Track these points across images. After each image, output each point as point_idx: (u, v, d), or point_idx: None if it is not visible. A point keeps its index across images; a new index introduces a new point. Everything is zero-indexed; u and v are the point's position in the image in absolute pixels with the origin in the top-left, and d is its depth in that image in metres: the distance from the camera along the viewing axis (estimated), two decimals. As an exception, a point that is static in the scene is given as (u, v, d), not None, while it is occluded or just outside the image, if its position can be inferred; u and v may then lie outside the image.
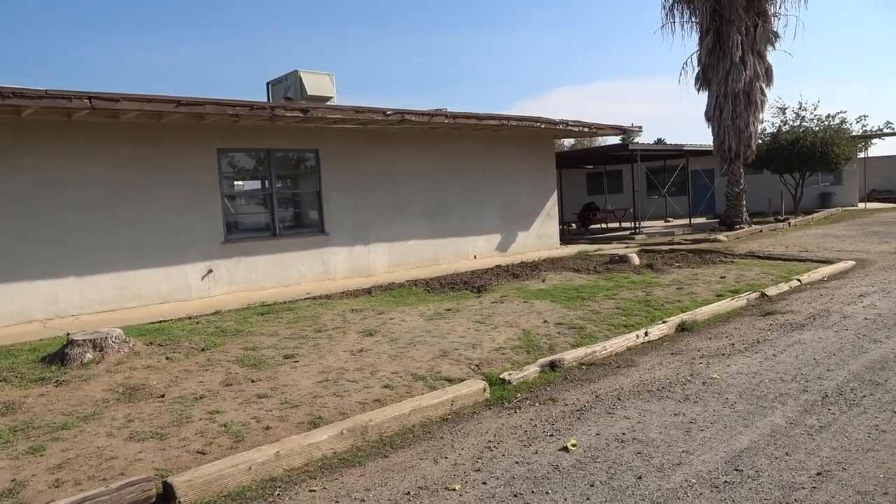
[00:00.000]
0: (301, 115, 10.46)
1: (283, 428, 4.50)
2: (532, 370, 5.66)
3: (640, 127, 16.63)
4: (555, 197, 16.98)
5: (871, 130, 30.18)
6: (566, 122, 14.83)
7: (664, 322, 7.23)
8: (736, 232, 17.45)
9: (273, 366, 6.03)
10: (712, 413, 4.34)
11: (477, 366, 5.91)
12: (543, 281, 10.63)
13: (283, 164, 12.27)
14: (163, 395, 5.32)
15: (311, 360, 6.18)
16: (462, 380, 5.51)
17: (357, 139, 12.87)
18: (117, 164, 10.07)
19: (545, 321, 7.58)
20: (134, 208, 10.25)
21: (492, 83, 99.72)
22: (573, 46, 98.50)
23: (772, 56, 19.88)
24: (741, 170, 20.11)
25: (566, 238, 19.94)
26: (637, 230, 19.59)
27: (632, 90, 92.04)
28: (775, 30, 19.57)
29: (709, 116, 20.16)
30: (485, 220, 15.36)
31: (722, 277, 10.11)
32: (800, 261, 11.89)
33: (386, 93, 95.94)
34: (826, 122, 22.51)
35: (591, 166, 30.03)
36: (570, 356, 5.99)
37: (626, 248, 16.15)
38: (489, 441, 4.12)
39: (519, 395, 5.17)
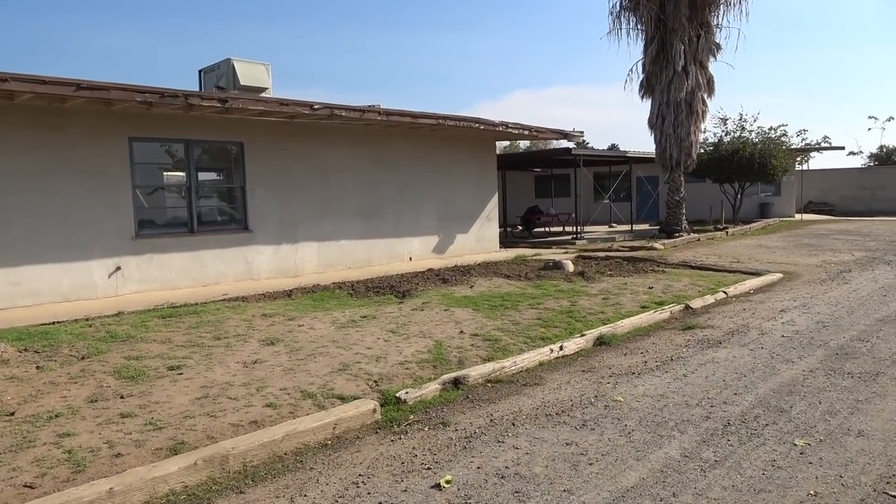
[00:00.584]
0: (219, 105, 9.86)
1: (137, 455, 4.01)
2: (432, 388, 5.29)
3: (582, 132, 16.52)
4: (495, 199, 16.72)
5: (810, 144, 31.12)
6: (506, 124, 14.56)
7: (582, 335, 6.96)
8: (674, 240, 17.52)
9: (152, 379, 5.50)
10: (606, 443, 4.04)
11: (376, 382, 5.50)
12: (471, 287, 10.30)
13: (203, 157, 11.60)
14: (13, 413, 4.73)
15: (196, 373, 5.67)
16: (356, 398, 5.10)
17: (286, 133, 12.30)
18: (11, 150, 9.27)
19: (461, 332, 7.23)
20: (30, 198, 9.46)
21: (450, 83, 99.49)
22: (532, 49, 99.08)
23: (714, 67, 20.13)
24: (681, 178, 20.27)
25: (509, 241, 19.75)
26: (578, 235, 19.52)
27: (588, 96, 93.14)
28: (717, 41, 19.79)
29: (651, 124, 20.25)
30: (422, 220, 14.97)
31: (650, 288, 9.96)
32: (730, 272, 11.89)
33: (339, 87, 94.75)
34: (766, 134, 22.93)
35: (539, 169, 29.98)
36: (475, 372, 5.64)
37: (566, 253, 16.01)
38: (360, 475, 3.72)
39: (412, 416, 4.79)
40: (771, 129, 23.80)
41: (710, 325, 7.49)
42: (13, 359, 6.14)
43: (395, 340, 6.86)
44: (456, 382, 5.49)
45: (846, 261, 13.00)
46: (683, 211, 20.43)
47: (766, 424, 4.29)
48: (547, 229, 22.55)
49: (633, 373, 5.65)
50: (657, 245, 15.89)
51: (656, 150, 20.47)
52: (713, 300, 9.11)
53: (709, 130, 23.75)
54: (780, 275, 11.29)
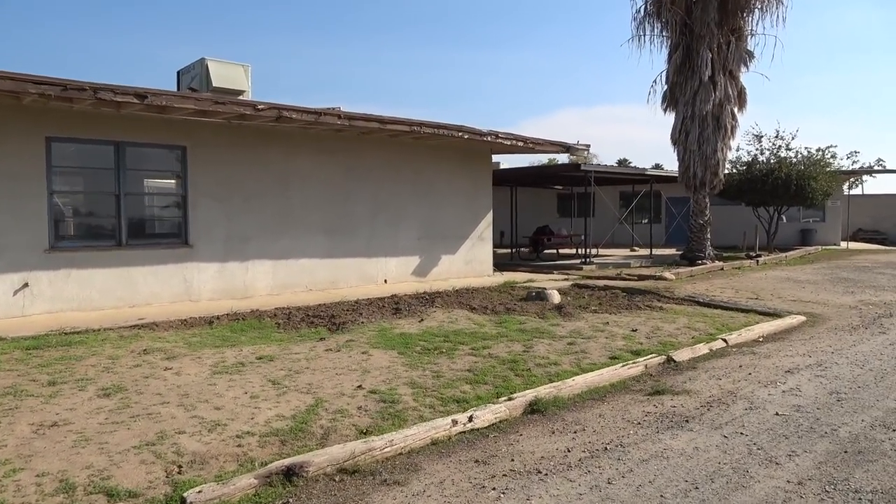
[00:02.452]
0: (136, 101, 8.56)
1: None
2: (243, 485, 3.72)
3: (588, 145, 14.83)
4: (489, 218, 15.10)
5: (862, 167, 28.55)
6: (496, 134, 12.99)
7: (510, 399, 5.30)
8: (692, 268, 15.57)
9: None
10: None
11: (180, 468, 3.98)
12: (422, 321, 8.72)
13: (138, 162, 10.34)
14: None
15: (-46, 440, 4.24)
16: (134, 495, 3.60)
17: (239, 137, 11.00)
18: None
19: (359, 386, 5.66)
20: (-86, 203, 8.33)
21: (497, 100, 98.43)
22: (579, 68, 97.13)
23: (746, 78, 18.17)
24: (706, 199, 18.29)
25: (514, 263, 18.08)
26: (587, 259, 17.71)
27: (635, 114, 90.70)
28: (750, 49, 17.82)
29: (674, 139, 18.38)
30: (400, 239, 13.46)
31: (633, 330, 8.20)
32: (742, 311, 10.00)
33: (396, 104, 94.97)
34: (806, 154, 20.73)
35: (560, 187, 28.20)
36: (322, 458, 4.05)
37: (565, 279, 14.28)
38: None
39: (180, 536, 3.24)
40: (819, 150, 21.58)
41: (687, 391, 5.73)
42: None
43: (264, 397, 5.33)
44: (288, 473, 3.91)
45: (889, 302, 10.93)
46: (708, 236, 18.40)
47: None
48: (558, 251, 20.76)
49: (541, 471, 3.98)
50: (668, 275, 13.99)
51: (679, 168, 18.56)
52: (707, 350, 7.30)
53: (742, 148, 21.73)
54: (803, 317, 9.36)
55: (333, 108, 10.62)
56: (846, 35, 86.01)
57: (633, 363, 6.56)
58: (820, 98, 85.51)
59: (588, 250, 18.26)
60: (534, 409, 5.26)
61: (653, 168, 28.98)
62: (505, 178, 21.89)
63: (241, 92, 13.89)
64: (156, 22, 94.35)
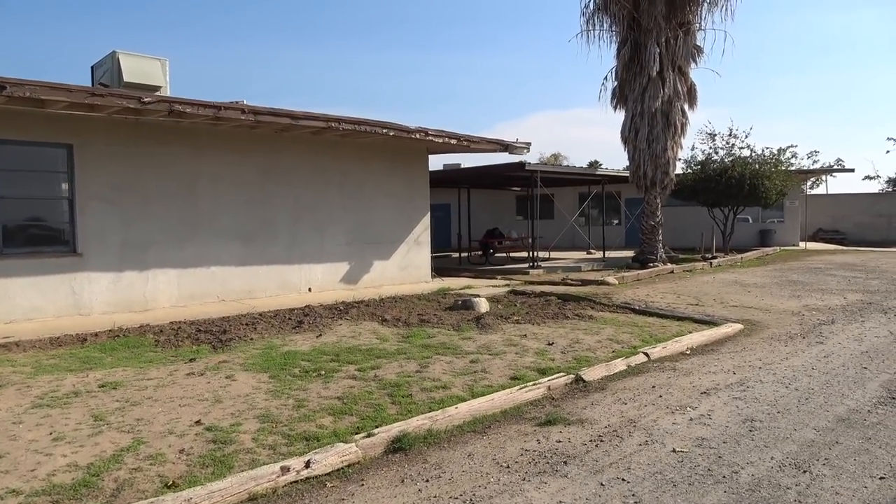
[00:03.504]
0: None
1: None
2: (-50, 573, 2.84)
3: (529, 143, 14.05)
4: (426, 221, 14.28)
5: (822, 167, 28.38)
6: (425, 131, 12.17)
7: (370, 435, 4.47)
8: (639, 272, 14.93)
9: None
10: None
11: None
12: (320, 336, 7.87)
13: (16, 161, 9.31)
14: None
15: None
16: None
17: (136, 135, 10.03)
18: None
19: (198, 421, 4.79)
20: None
21: (473, 104, 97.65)
22: (554, 71, 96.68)
23: (697, 74, 17.65)
24: (658, 200, 17.69)
25: (458, 268, 17.27)
26: (535, 264, 16.97)
27: (608, 117, 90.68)
28: (698, 44, 17.29)
29: (624, 138, 17.77)
30: (327, 245, 12.57)
31: (550, 344, 7.44)
32: (678, 319, 9.31)
33: (370, 107, 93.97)
34: (760, 153, 20.28)
35: (518, 188, 27.52)
36: (80, 530, 3.18)
37: (507, 285, 13.54)
38: None
39: None
40: (770, 149, 21.16)
41: (583, 420, 4.95)
42: None
43: (70, 438, 4.43)
44: (26, 553, 3.04)
45: (834, 307, 10.34)
46: (660, 238, 17.81)
47: None
48: (509, 255, 20.02)
49: (354, 542, 3.15)
50: (611, 279, 13.30)
51: (630, 167, 17.96)
52: (624, 367, 6.55)
53: (696, 148, 21.22)
54: (740, 326, 8.69)
55: (237, 102, 9.72)
56: (815, 37, 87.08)
57: (535, 385, 5.78)
58: (791, 99, 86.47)
59: (535, 254, 17.54)
60: (397, 447, 4.44)
61: (594, 167, 28.62)
62: (453, 180, 21.15)
63: (156, 88, 12.85)
64: (124, 26, 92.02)
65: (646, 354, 6.97)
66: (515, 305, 10.51)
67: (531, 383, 5.80)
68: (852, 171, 27.81)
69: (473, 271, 16.67)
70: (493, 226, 22.28)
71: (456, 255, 20.10)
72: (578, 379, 6.06)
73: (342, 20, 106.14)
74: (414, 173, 14.07)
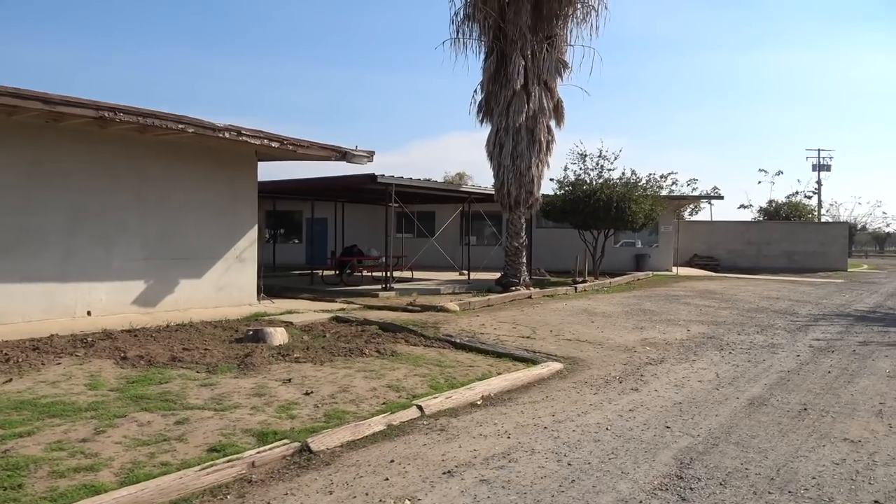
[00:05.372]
0: None
1: None
2: None
3: (372, 152, 12.64)
4: (253, 235, 12.54)
5: (700, 194, 28.77)
6: (238, 130, 10.47)
7: None
8: (489, 297, 13.77)
9: None
10: None
11: None
12: (8, 382, 5.99)
13: None
14: None
15: None
16: None
17: None
18: None
19: None
20: None
21: (392, 122, 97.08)
22: (460, 92, 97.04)
23: (564, 91, 16.93)
24: (522, 220, 16.75)
25: (306, 288, 15.55)
26: (388, 286, 15.55)
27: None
28: (565, 59, 16.60)
29: (489, 153, 16.77)
30: (116, 260, 10.57)
31: (307, 393, 5.92)
32: (497, 355, 8.07)
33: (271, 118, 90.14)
34: (629, 177, 19.89)
35: (397, 204, 26.15)
36: None
37: (342, 309, 12.06)
38: None
39: None
40: (662, 175, 20.92)
41: (246, 526, 3.44)
42: None
43: None
44: None
45: (672, 341, 9.48)
46: (524, 260, 16.87)
47: None
48: (370, 273, 18.51)
49: None
50: (453, 305, 12.04)
51: (494, 185, 16.95)
52: (382, 427, 5.12)
53: (569, 168, 20.62)
54: (560, 365, 7.55)
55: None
56: (707, 76, 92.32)
57: (231, 461, 4.22)
58: (683, 132, 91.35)
59: (390, 274, 16.12)
60: None
61: (461, 178, 27.87)
62: (302, 191, 19.48)
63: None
64: (58, 33, 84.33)
65: (419, 409, 5.59)
66: (324, 336, 8.98)
67: (226, 459, 4.25)
68: (721, 198, 28.68)
69: (319, 292, 15.02)
70: (373, 243, 20.73)
71: (310, 274, 18.33)
72: (304, 448, 4.57)
73: (265, 35, 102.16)
74: (239, 182, 12.31)
